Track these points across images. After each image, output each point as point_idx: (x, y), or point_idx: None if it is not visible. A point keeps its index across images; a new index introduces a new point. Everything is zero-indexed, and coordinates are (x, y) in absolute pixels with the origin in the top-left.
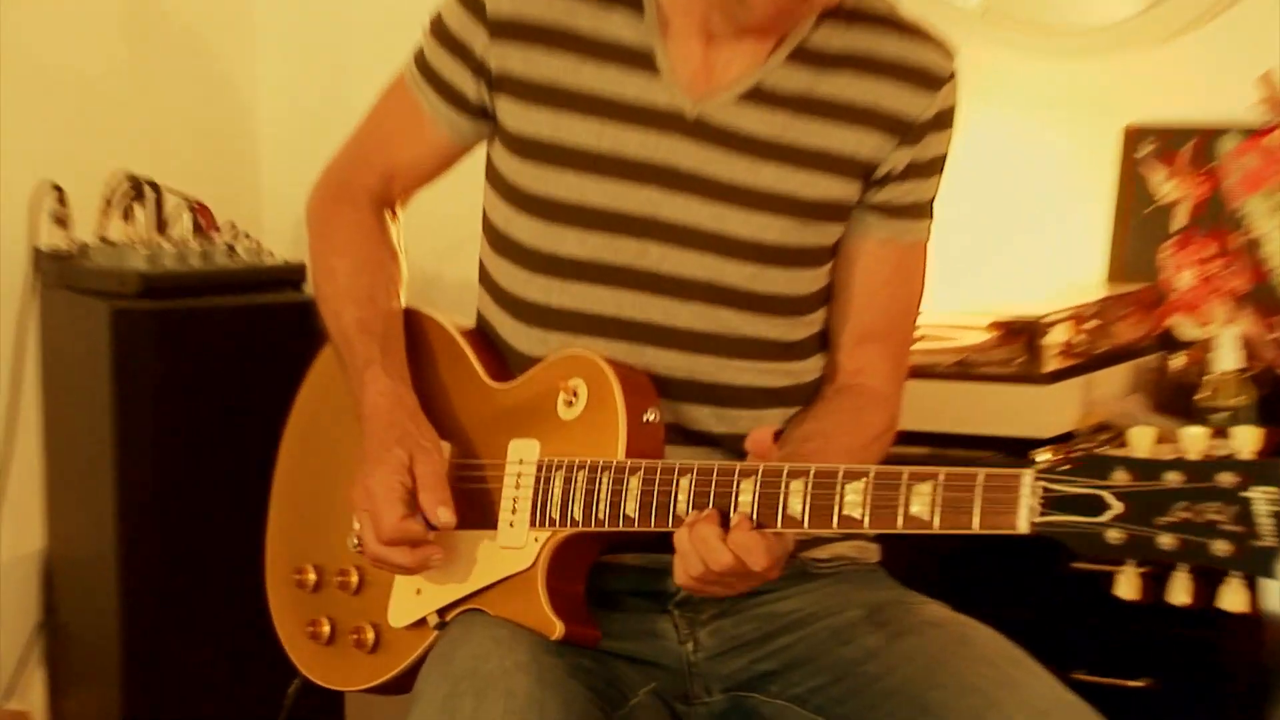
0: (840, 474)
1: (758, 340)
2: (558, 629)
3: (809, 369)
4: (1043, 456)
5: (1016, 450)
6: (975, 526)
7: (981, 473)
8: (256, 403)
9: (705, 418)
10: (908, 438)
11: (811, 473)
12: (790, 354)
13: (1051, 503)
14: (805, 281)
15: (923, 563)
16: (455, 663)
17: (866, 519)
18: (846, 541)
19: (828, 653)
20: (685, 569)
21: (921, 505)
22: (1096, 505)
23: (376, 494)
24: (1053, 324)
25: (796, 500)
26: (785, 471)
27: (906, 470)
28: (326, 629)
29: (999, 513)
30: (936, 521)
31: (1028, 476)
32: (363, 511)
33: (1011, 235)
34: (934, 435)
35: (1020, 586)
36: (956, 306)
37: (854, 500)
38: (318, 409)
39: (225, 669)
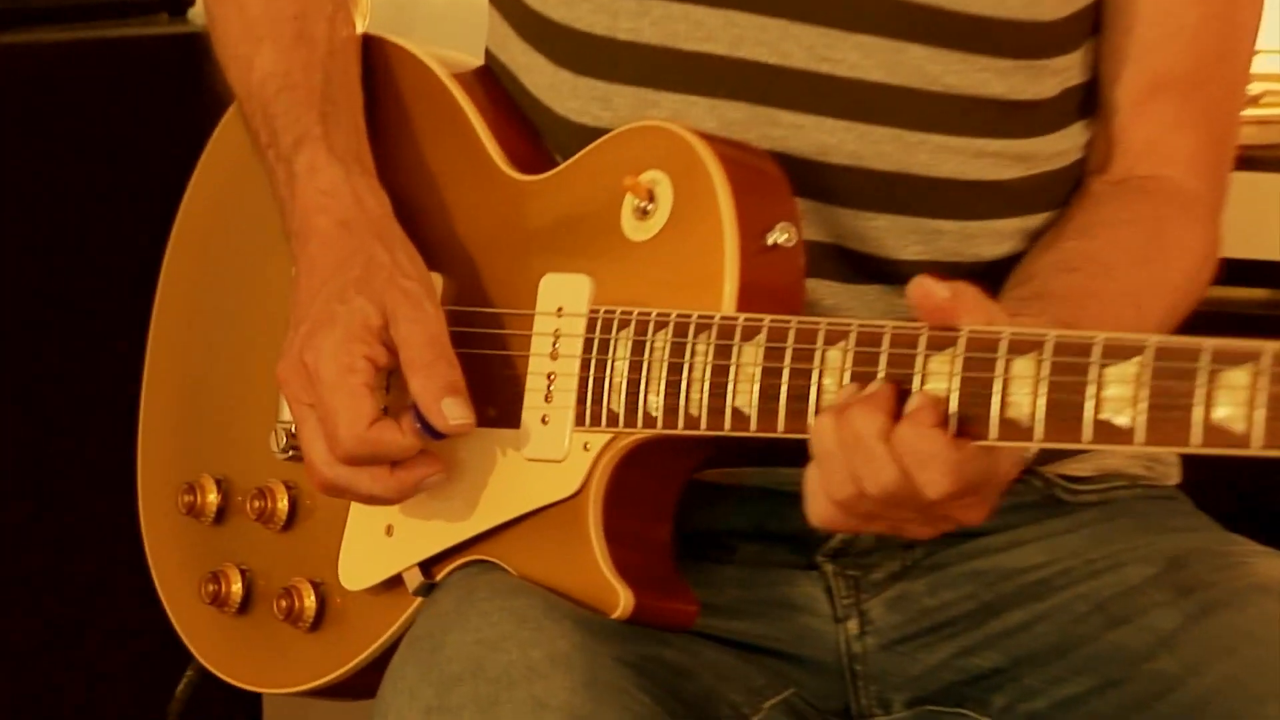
0: (1098, 348)
1: (972, 100)
2: (622, 600)
3: (1059, 149)
4: None
5: None
6: None
7: None
8: (114, 205)
9: (884, 234)
10: (1233, 271)
11: (1050, 344)
12: (1027, 123)
13: None
14: None
15: (1254, 482)
16: (447, 652)
17: (1141, 429)
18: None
19: (1092, 639)
20: (826, 486)
21: (1233, 406)
22: None
23: (325, 378)
24: None
25: (1023, 391)
26: (1005, 341)
27: (1209, 345)
28: (236, 587)
29: None
30: (1258, 435)
31: None
32: (303, 407)
33: None
34: None
35: None
36: None
37: (1119, 396)
38: (220, 218)
39: (57, 656)
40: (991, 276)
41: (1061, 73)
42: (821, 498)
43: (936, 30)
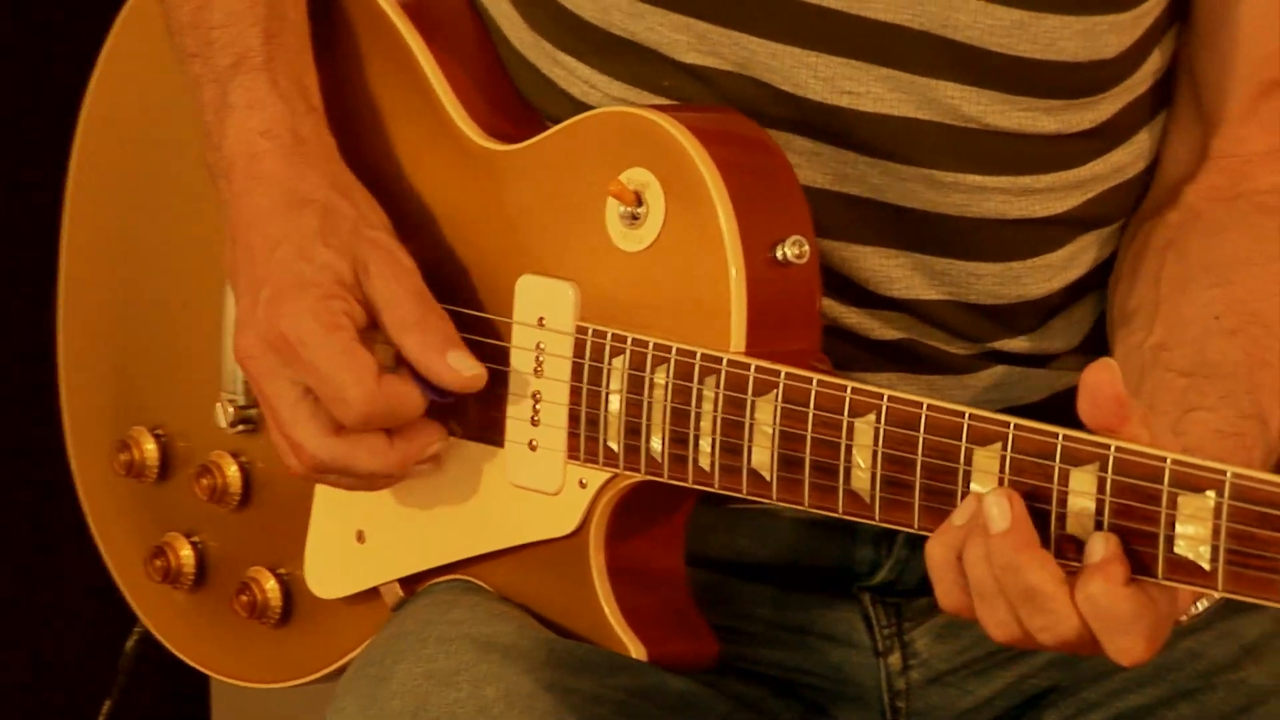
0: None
1: (1018, 136)
2: (633, 654)
3: (1121, 164)
4: None
5: None
6: None
7: None
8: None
9: (908, 275)
10: None
11: (1110, 458)
12: (1082, 150)
13: None
14: (1113, 33)
15: None
16: (392, 685)
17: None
18: None
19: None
20: (985, 621)
21: None
22: None
23: (313, 341)
24: None
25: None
26: (1059, 447)
27: None
28: (187, 553)
29: None
30: None
31: None
32: (281, 383)
33: None
34: None
35: None
36: None
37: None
38: (133, 125)
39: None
40: (1031, 312)
41: (1123, 95)
42: (962, 591)
43: (976, 71)
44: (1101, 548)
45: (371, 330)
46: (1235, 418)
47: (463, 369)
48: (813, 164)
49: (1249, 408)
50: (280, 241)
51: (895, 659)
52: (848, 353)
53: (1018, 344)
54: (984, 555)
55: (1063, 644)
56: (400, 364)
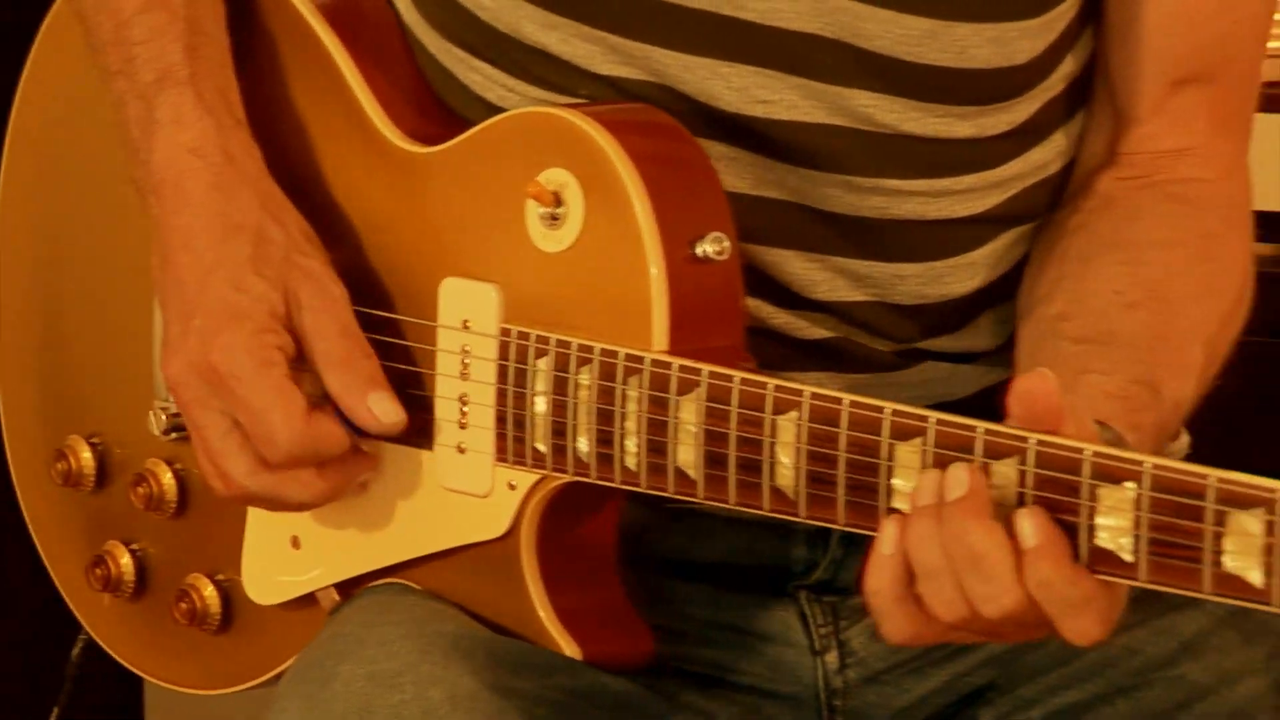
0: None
1: (934, 141)
2: (568, 654)
3: (1042, 162)
4: None
5: None
6: None
7: None
8: None
9: (832, 278)
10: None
11: (1032, 453)
12: (1001, 151)
13: None
14: (1025, 39)
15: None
16: (335, 687)
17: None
18: None
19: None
20: (931, 605)
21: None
22: None
23: (244, 376)
24: None
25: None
26: (979, 441)
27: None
28: (126, 561)
29: None
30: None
31: None
32: (210, 412)
33: None
34: None
35: None
36: None
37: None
38: (63, 128)
39: None
40: (957, 310)
41: (1039, 96)
42: (912, 619)
43: (889, 79)
44: (1031, 530)
45: (301, 360)
46: (1125, 382)
47: (382, 414)
48: (730, 169)
49: (1141, 375)
50: (213, 269)
51: (832, 657)
52: (777, 353)
53: (945, 342)
54: (933, 531)
55: (1007, 618)
56: (328, 397)
